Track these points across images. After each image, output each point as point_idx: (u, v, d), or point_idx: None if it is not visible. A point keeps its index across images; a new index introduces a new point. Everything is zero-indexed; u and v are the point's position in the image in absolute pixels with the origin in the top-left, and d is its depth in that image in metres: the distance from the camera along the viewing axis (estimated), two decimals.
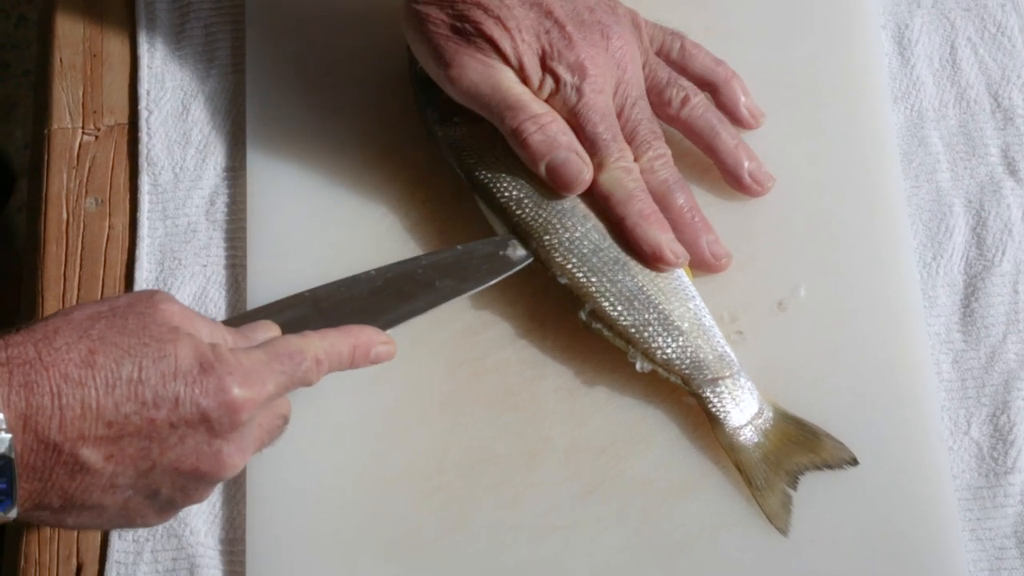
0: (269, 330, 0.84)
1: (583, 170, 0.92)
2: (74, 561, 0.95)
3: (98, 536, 0.95)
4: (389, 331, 0.88)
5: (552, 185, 0.93)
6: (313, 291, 0.91)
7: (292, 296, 0.91)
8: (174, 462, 0.75)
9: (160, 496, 0.77)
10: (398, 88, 1.01)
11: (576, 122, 0.93)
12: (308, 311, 0.90)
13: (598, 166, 0.93)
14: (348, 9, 1.06)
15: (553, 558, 0.91)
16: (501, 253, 0.95)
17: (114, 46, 1.08)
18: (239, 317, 0.89)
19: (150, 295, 0.78)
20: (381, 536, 0.92)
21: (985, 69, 1.03)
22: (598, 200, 0.94)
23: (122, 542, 0.94)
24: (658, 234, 0.92)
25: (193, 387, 0.74)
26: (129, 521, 0.78)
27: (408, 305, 0.92)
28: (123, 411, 0.73)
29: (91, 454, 0.73)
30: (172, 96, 1.06)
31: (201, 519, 0.94)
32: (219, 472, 0.77)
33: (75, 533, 0.95)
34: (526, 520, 0.91)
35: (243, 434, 0.77)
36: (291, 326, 0.86)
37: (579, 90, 0.93)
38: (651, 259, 0.92)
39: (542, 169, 0.93)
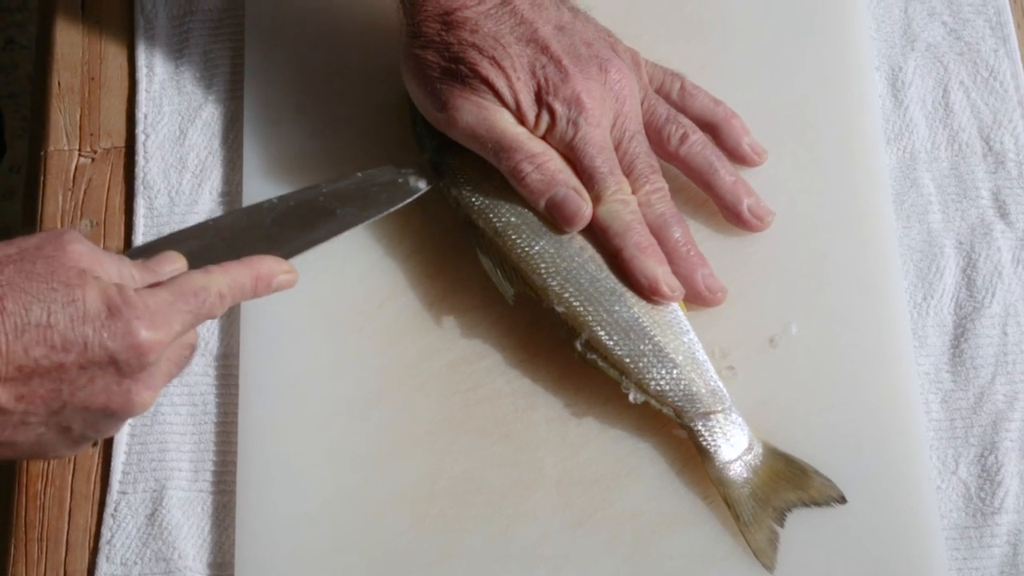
0: (175, 262, 0.84)
1: (582, 206, 0.93)
2: None
3: (86, 558, 0.95)
4: (293, 259, 0.89)
5: (553, 221, 0.94)
6: (216, 220, 0.91)
7: (196, 226, 0.91)
8: (84, 401, 0.76)
9: (72, 432, 0.78)
10: (396, 117, 1.02)
11: (573, 156, 0.94)
12: (212, 240, 0.90)
13: (596, 198, 0.94)
14: (346, 37, 1.06)
15: None
16: (400, 181, 0.96)
17: (112, 69, 1.09)
18: (144, 247, 0.88)
19: (58, 236, 0.78)
20: (370, 563, 0.92)
21: (977, 113, 1.04)
22: (595, 231, 0.94)
23: (110, 565, 0.94)
24: (655, 267, 0.93)
25: (101, 331, 0.75)
26: (43, 454, 0.79)
27: (310, 234, 0.93)
28: (32, 355, 0.73)
29: (2, 395, 0.74)
30: (169, 120, 1.06)
31: (190, 543, 0.94)
32: (130, 410, 0.78)
33: (63, 555, 0.95)
34: (516, 550, 0.91)
35: (151, 373, 0.78)
36: (196, 255, 0.86)
37: (575, 124, 0.94)
38: (647, 291, 0.93)
39: (542, 206, 0.93)
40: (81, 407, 0.76)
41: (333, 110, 1.04)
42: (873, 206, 0.99)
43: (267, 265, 0.85)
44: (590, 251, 0.94)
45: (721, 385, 0.92)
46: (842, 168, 1.00)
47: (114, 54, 1.09)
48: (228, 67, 1.08)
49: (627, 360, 0.92)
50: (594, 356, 0.92)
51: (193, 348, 0.83)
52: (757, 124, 1.01)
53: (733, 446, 0.91)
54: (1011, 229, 1.00)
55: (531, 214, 0.94)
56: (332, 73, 1.05)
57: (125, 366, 0.76)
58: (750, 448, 0.92)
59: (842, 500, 0.91)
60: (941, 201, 1.01)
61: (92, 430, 0.79)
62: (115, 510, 0.95)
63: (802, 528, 0.91)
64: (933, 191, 1.02)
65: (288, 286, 0.87)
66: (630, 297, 0.93)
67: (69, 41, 1.10)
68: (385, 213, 0.95)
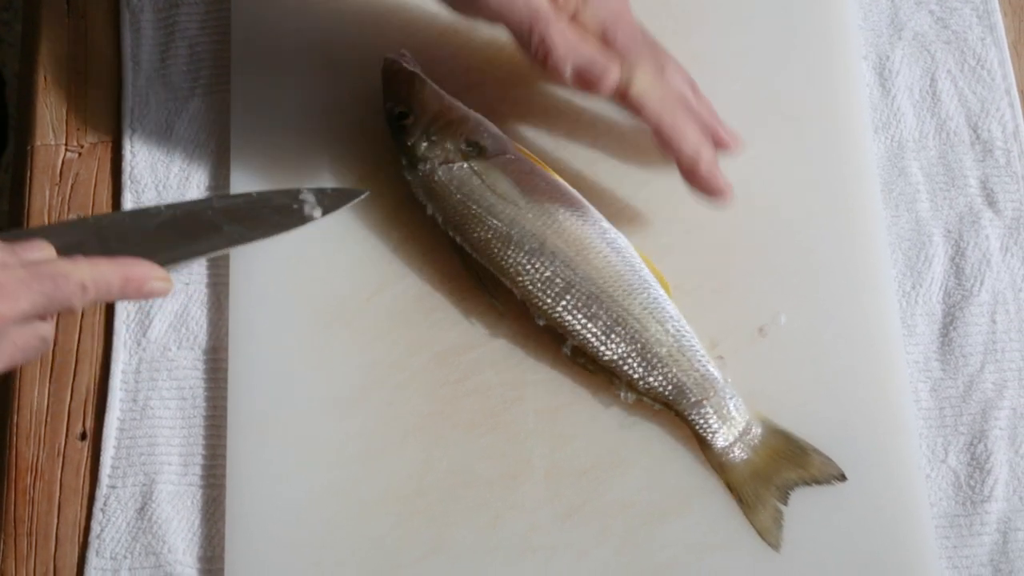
0: (42, 250, 0.83)
1: (608, 69, 0.91)
2: None
3: (75, 553, 0.95)
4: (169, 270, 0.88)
5: (580, 89, 0.92)
6: (97, 218, 0.89)
7: (75, 220, 0.90)
8: None
9: None
10: (380, 110, 1.01)
11: (606, 36, 0.92)
12: (88, 237, 0.87)
13: (627, 80, 0.92)
14: (333, 30, 1.06)
15: None
16: (295, 207, 0.93)
17: (98, 64, 1.09)
18: (13, 234, 0.86)
19: None
20: (360, 557, 0.92)
21: (964, 101, 1.04)
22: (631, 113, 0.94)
23: (100, 560, 0.94)
24: (694, 142, 0.92)
25: None
26: None
27: (192, 245, 0.90)
28: None
29: None
30: (156, 114, 1.06)
31: (180, 537, 0.94)
32: None
33: (52, 550, 0.95)
34: (506, 542, 0.92)
35: None
36: (68, 249, 0.84)
37: (607, 5, 0.92)
38: (688, 164, 0.92)
39: (568, 72, 0.92)
40: None
41: (319, 102, 1.04)
42: (861, 195, 0.99)
43: (140, 269, 0.84)
44: (562, 256, 0.94)
45: (712, 369, 0.93)
46: (830, 158, 1.00)
47: (100, 48, 1.09)
48: (214, 60, 1.07)
49: (615, 362, 0.92)
50: (583, 360, 0.93)
51: (46, 341, 0.82)
52: (746, 115, 1.00)
53: (730, 428, 0.92)
54: (999, 217, 1.00)
55: (501, 226, 0.94)
56: (318, 65, 1.05)
57: None
58: (748, 429, 0.92)
59: (842, 478, 0.91)
60: (929, 190, 1.01)
61: None
62: (104, 504, 0.95)
63: (789, 521, 0.91)
64: (921, 180, 1.02)
65: (161, 294, 0.85)
66: (607, 299, 0.93)
67: (54, 35, 1.09)
68: (271, 237, 0.92)
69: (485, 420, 0.95)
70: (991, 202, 1.01)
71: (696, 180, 0.92)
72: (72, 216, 0.92)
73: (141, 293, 0.84)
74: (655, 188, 0.99)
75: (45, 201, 1.04)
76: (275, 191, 0.93)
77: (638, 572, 0.90)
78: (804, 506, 0.91)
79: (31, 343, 0.80)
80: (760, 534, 0.90)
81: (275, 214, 0.92)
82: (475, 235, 0.95)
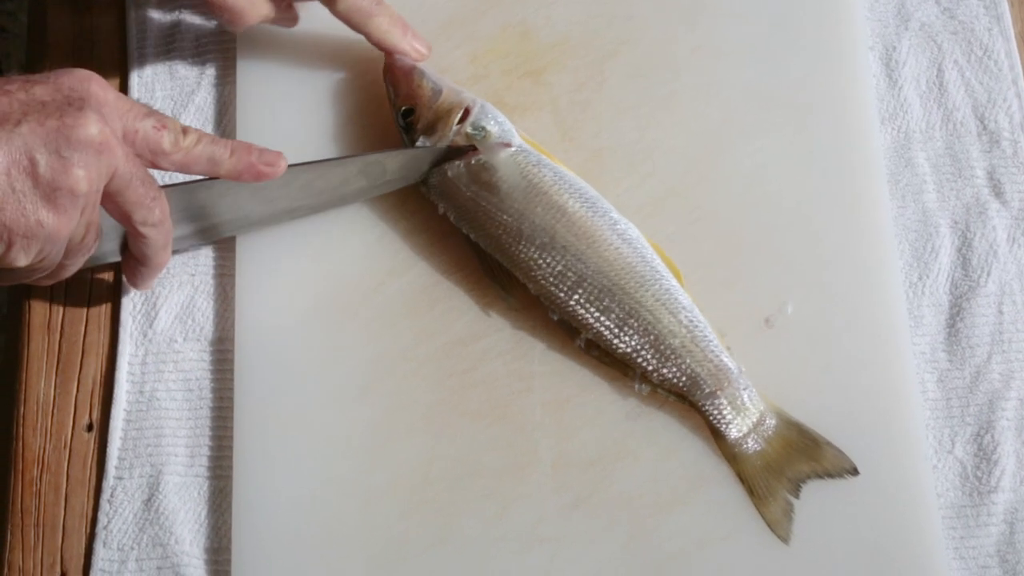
0: None
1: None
2: (58, 569, 0.94)
3: (82, 544, 0.95)
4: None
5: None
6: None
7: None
8: (39, 121, 0.80)
9: (38, 167, 0.80)
10: (384, 103, 1.01)
11: None
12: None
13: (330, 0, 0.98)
14: (338, 23, 1.06)
15: (539, 570, 0.91)
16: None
17: (104, 55, 1.08)
18: None
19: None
20: (367, 547, 0.92)
21: (971, 92, 1.04)
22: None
23: (107, 551, 0.94)
24: (402, 40, 1.01)
25: (56, 74, 0.83)
26: (21, 218, 0.81)
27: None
28: None
29: None
30: (162, 106, 1.06)
31: (187, 528, 0.94)
32: (84, 127, 0.81)
33: (59, 541, 0.95)
34: (512, 532, 0.92)
35: (104, 116, 0.82)
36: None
37: None
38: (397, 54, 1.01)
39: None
40: (36, 126, 0.80)
41: (325, 94, 1.03)
42: (868, 186, 0.99)
43: (249, 146, 0.91)
44: (573, 250, 0.94)
45: (726, 360, 0.93)
46: (837, 148, 1.00)
47: (105, 40, 1.09)
48: (220, 52, 1.07)
49: (629, 355, 0.93)
50: (597, 353, 0.93)
51: (155, 188, 0.88)
52: (752, 106, 1.01)
53: (744, 419, 0.92)
54: (1006, 208, 1.00)
55: (514, 222, 0.95)
56: (324, 57, 1.05)
57: (74, 97, 0.82)
58: (762, 420, 0.92)
59: (854, 471, 0.91)
60: (936, 180, 1.01)
61: (60, 163, 0.81)
62: (111, 496, 0.95)
63: (799, 506, 0.91)
64: (928, 171, 1.01)
65: (273, 174, 0.92)
66: (619, 292, 0.93)
67: (60, 26, 1.09)
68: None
69: (492, 411, 0.95)
70: (998, 193, 1.00)
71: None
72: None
73: (253, 167, 0.92)
74: (661, 177, 0.99)
75: None
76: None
77: (645, 563, 0.90)
78: (810, 497, 0.91)
79: (147, 185, 0.87)
80: (770, 526, 0.90)
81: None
82: (487, 231, 0.95)
